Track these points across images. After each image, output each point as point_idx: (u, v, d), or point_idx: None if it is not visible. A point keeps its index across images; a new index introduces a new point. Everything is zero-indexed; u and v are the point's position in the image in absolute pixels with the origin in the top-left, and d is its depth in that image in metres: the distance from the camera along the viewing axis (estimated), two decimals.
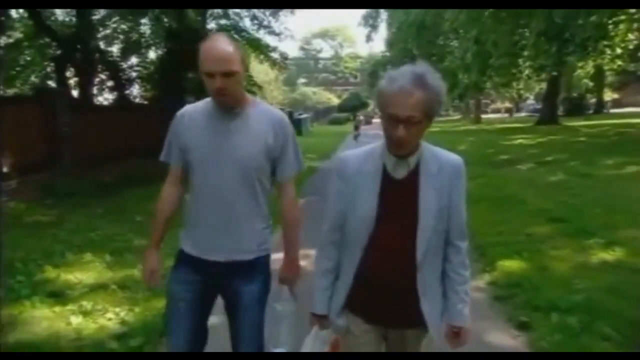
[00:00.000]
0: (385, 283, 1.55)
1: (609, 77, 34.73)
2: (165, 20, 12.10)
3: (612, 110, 37.24)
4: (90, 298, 3.46)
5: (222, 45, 1.65)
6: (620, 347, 2.76)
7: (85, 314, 3.22)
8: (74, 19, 11.48)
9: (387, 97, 1.43)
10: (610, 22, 13.57)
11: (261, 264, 1.85)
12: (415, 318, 1.56)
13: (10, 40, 10.72)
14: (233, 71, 1.66)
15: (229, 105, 1.74)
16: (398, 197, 1.54)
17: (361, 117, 26.31)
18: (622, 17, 12.96)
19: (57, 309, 3.32)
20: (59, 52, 10.01)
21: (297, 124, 29.51)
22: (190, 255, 1.81)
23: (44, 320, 3.15)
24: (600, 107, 37.57)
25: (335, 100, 56.80)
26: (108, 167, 9.38)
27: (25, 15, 10.08)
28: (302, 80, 64.25)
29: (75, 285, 3.76)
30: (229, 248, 1.77)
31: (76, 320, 3.13)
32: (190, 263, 1.81)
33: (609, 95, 42.40)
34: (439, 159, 1.56)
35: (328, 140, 21.95)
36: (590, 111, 37.08)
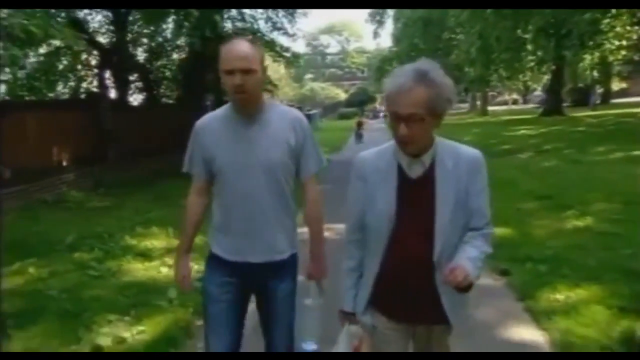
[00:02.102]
0: (404, 282, 1.56)
1: (617, 67, 35.13)
2: (187, 24, 13.04)
3: (620, 100, 37.47)
4: (169, 257, 4.48)
5: (242, 45, 1.72)
6: (572, 282, 3.70)
7: (169, 266, 4.23)
8: (106, 26, 12.57)
9: (390, 95, 1.44)
10: (605, 18, 14.36)
11: (292, 261, 1.91)
12: (439, 314, 1.56)
13: (51, 49, 11.78)
14: (252, 69, 1.70)
15: (248, 105, 1.77)
16: (415, 195, 1.53)
17: (367, 113, 25.88)
18: (614, 12, 13.80)
19: (146, 264, 4.36)
20: (97, 58, 11.12)
21: (307, 120, 30.54)
22: (224, 258, 1.85)
23: (139, 270, 4.19)
24: (607, 97, 37.93)
25: (342, 95, 57.58)
26: (144, 161, 10.44)
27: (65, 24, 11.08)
28: (309, 75, 64.92)
29: (153, 249, 4.79)
30: (264, 250, 1.82)
31: (164, 270, 4.16)
32: (225, 266, 1.85)
33: (616, 85, 42.65)
34: (455, 154, 1.54)
35: (337, 135, 22.88)
36: (598, 101, 37.52)
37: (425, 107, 1.39)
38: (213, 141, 1.79)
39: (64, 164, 8.10)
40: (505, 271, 4.18)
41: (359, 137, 17.55)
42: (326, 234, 1.93)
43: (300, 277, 1.95)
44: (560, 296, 3.49)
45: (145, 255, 4.58)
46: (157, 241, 5.01)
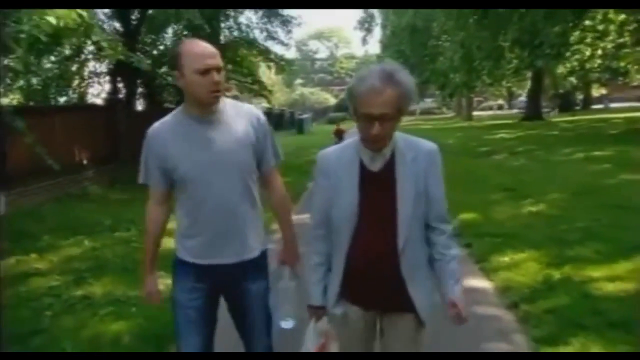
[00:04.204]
0: (371, 272, 1.61)
1: (596, 74, 36.66)
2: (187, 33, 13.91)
3: (600, 106, 38.86)
4: None
5: (207, 44, 1.69)
6: (518, 249, 4.70)
7: None
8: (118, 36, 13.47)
9: (360, 97, 1.47)
10: (576, 30, 15.68)
11: (263, 259, 1.90)
12: (406, 302, 1.62)
13: (62, 56, 12.62)
14: (222, 67, 1.69)
15: (216, 105, 1.74)
16: (376, 188, 1.59)
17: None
18: (586, 23, 15.23)
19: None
20: (108, 66, 12.03)
21: (300, 124, 31.49)
22: (193, 263, 1.82)
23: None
24: (587, 103, 39.49)
25: (332, 100, 58.65)
26: None
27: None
28: (298, 80, 65.80)
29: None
30: (235, 250, 1.80)
31: None
32: (193, 272, 1.82)
33: (597, 91, 44.27)
34: (414, 147, 1.61)
35: (328, 138, 23.84)
36: (578, 107, 39.07)
37: (395, 106, 1.47)
38: (172, 150, 1.74)
39: (84, 162, 8.98)
40: (468, 244, 5.21)
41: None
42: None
43: (271, 268, 1.97)
44: (506, 258, 4.50)
45: (170, 234, 5.49)
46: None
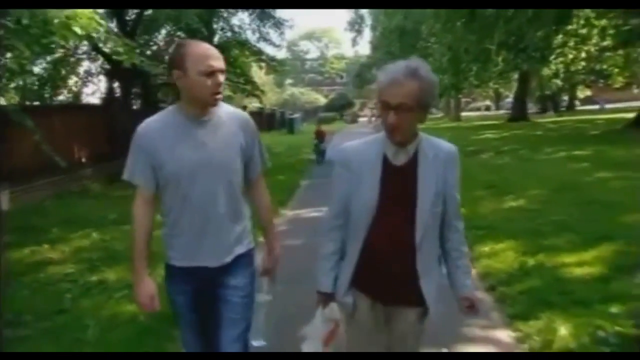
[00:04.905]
0: (386, 263, 1.65)
1: (581, 76, 37.49)
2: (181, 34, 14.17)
3: (585, 107, 39.76)
4: None
5: (210, 46, 1.73)
6: (498, 240, 5.09)
7: None
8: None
9: (382, 87, 1.56)
10: (559, 34, 16.25)
11: (246, 257, 1.90)
12: (416, 297, 1.68)
13: (56, 56, 12.80)
14: (225, 70, 1.73)
15: (211, 108, 1.76)
16: (398, 182, 1.64)
17: (346, 118, 21.25)
18: (568, 28, 15.81)
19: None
20: (103, 66, 12.25)
21: (290, 124, 31.79)
22: (180, 267, 1.83)
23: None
24: (572, 104, 40.40)
25: (322, 100, 58.98)
26: None
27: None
28: (289, 80, 65.96)
29: None
30: (219, 252, 1.80)
31: None
32: (181, 275, 1.83)
33: (582, 92, 45.23)
34: (435, 146, 1.68)
35: None
36: (563, 108, 39.95)
37: (414, 98, 1.53)
38: (161, 147, 1.73)
39: (83, 160, 9.20)
40: None
41: (320, 154, 11.85)
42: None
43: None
44: (487, 248, 4.88)
45: None
46: None
